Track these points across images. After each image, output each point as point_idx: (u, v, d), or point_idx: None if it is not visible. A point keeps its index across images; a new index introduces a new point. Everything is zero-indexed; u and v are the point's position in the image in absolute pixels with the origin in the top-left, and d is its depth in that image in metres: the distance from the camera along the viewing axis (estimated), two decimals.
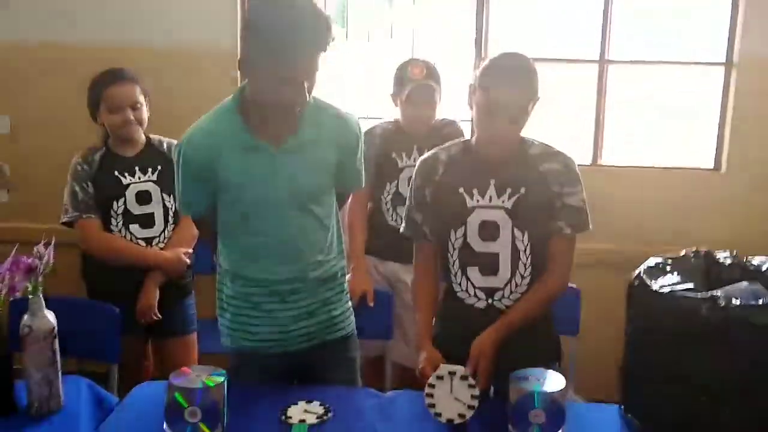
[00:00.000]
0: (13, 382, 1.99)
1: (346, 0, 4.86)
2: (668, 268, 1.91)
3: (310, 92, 1.96)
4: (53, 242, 1.93)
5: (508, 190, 2.03)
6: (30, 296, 1.91)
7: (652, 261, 1.96)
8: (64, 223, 2.75)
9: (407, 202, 2.18)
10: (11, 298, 1.90)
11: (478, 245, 2.05)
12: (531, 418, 1.82)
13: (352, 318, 2.27)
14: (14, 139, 3.63)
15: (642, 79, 3.96)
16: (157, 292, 2.77)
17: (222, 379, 1.84)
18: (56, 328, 1.92)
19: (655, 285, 1.83)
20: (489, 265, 2.06)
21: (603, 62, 3.55)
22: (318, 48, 1.91)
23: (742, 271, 1.93)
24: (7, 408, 1.96)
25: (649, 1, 3.75)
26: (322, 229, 2.12)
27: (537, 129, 2.09)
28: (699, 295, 1.75)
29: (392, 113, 3.07)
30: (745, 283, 1.83)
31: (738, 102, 3.45)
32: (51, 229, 2.23)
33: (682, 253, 2.00)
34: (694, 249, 2.01)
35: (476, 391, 1.86)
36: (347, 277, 2.29)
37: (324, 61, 1.95)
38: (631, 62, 3.73)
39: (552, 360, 2.10)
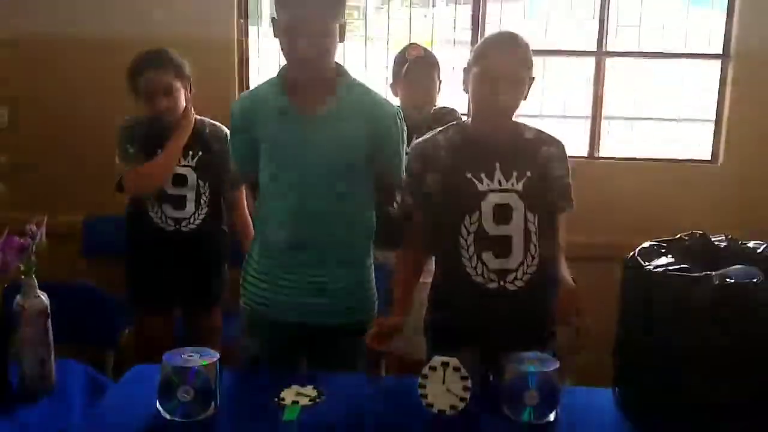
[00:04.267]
0: (6, 363, 1.98)
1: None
2: (663, 251, 1.90)
3: (329, 57, 2.06)
4: (44, 221, 1.93)
5: (515, 174, 2.07)
6: (23, 277, 1.91)
7: (647, 244, 1.95)
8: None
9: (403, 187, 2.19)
10: (5, 285, 1.90)
11: (492, 229, 2.07)
12: (525, 399, 1.82)
13: (373, 305, 2.29)
14: (12, 131, 3.64)
15: (639, 71, 3.96)
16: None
17: (215, 358, 1.84)
18: (49, 308, 1.92)
19: (649, 265, 1.82)
20: (502, 247, 2.08)
21: (600, 54, 3.55)
22: (332, 12, 2.01)
23: (736, 253, 1.91)
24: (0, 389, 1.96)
25: None
26: (346, 207, 2.16)
27: (534, 120, 2.11)
28: (692, 274, 1.74)
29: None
30: (739, 265, 1.82)
31: (734, 94, 3.46)
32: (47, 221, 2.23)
33: (677, 236, 2.00)
34: (689, 232, 2.01)
35: (468, 383, 1.85)
36: None
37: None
38: (629, 54, 3.74)
39: (545, 348, 2.09)
